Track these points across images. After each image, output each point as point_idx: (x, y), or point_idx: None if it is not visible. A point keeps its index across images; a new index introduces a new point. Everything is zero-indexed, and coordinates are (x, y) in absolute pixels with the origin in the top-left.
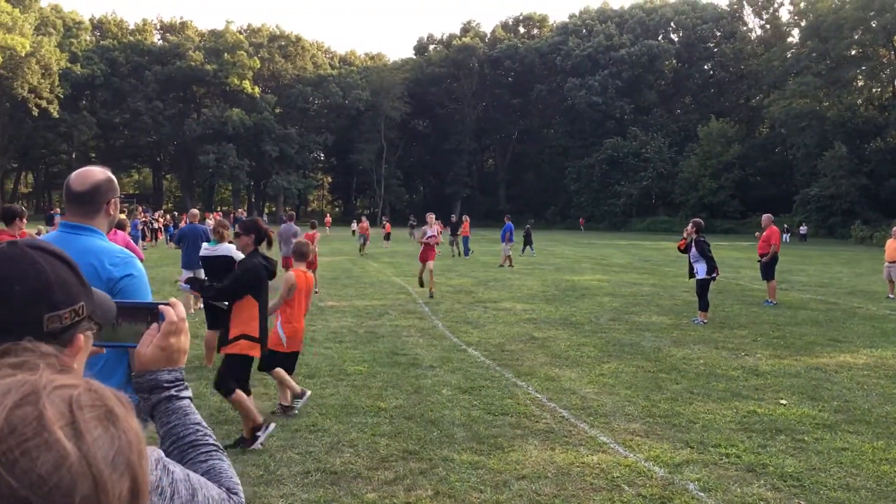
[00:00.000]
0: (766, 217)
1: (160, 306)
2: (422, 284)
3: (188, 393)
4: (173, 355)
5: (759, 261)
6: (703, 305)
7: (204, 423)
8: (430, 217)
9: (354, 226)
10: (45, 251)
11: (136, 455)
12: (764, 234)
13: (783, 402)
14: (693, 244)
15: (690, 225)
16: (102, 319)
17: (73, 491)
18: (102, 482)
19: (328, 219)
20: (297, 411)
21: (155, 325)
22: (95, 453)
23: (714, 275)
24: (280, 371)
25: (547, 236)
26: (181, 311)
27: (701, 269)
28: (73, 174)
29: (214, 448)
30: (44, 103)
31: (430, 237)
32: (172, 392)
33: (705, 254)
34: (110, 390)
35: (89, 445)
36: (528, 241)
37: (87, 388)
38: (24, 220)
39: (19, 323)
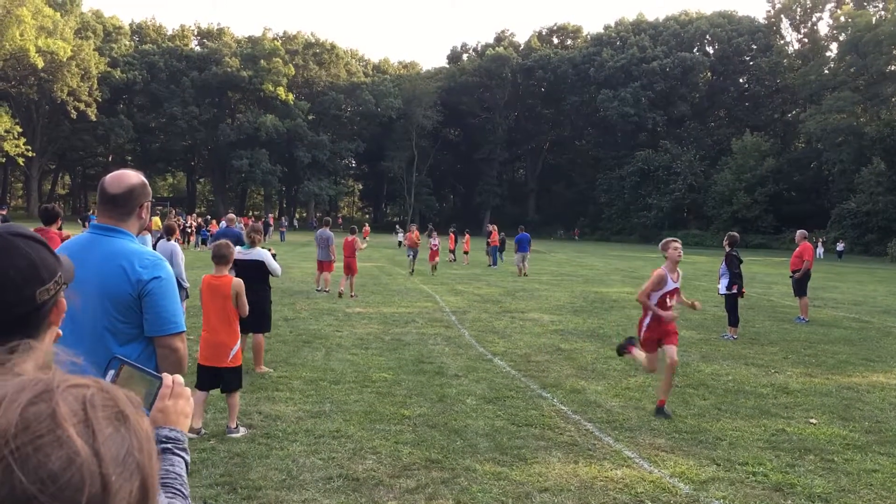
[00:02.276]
0: (799, 233)
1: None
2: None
3: (186, 456)
4: (171, 416)
5: (791, 276)
6: (733, 321)
7: (185, 478)
8: (675, 252)
9: (401, 236)
10: (24, 236)
11: (145, 456)
12: (797, 250)
13: (813, 421)
14: (724, 257)
15: (726, 238)
16: (68, 279)
17: (82, 488)
18: (111, 482)
19: (367, 228)
20: (194, 435)
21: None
22: (106, 452)
23: (734, 291)
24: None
25: (576, 247)
26: (178, 377)
27: (722, 284)
28: (108, 177)
29: (182, 496)
30: (82, 106)
31: (673, 290)
32: (169, 446)
33: (731, 269)
34: (121, 391)
35: (101, 444)
36: (501, 249)
37: (98, 388)
38: (60, 221)
39: (19, 301)
